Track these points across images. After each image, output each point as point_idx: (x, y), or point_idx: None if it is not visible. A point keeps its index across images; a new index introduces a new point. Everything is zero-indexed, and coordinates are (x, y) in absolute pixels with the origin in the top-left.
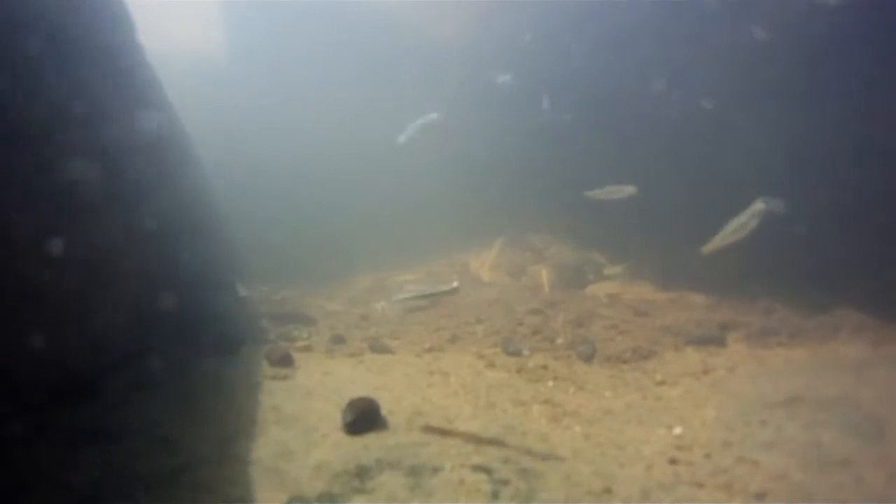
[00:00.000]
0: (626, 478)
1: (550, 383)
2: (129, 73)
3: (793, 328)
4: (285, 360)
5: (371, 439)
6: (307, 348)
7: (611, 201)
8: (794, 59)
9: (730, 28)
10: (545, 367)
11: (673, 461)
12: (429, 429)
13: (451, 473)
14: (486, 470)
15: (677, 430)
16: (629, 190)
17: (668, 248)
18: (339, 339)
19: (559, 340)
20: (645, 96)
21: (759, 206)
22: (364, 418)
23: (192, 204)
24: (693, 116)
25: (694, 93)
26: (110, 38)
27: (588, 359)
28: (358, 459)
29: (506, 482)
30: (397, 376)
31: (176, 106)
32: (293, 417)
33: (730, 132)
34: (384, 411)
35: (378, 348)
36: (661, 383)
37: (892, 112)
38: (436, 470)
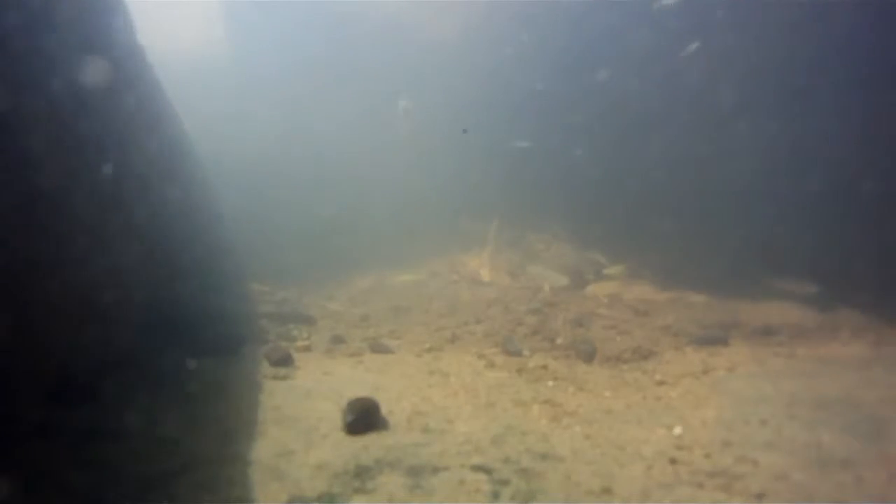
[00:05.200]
0: (626, 478)
1: (550, 383)
2: (130, 73)
3: (793, 328)
4: (285, 360)
5: (371, 439)
6: (307, 348)
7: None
8: (796, 60)
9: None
10: (545, 367)
11: (673, 461)
12: (429, 429)
13: (451, 473)
14: (486, 470)
15: (677, 430)
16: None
17: (669, 247)
18: (339, 339)
19: (559, 340)
20: (643, 97)
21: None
22: (364, 418)
23: (192, 204)
24: (693, 118)
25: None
26: (110, 39)
27: (588, 359)
28: (358, 459)
29: (506, 482)
30: (397, 376)
31: (176, 106)
32: (293, 417)
33: (732, 135)
34: (384, 411)
35: (378, 348)
36: (661, 383)
37: (894, 112)
38: (436, 470)
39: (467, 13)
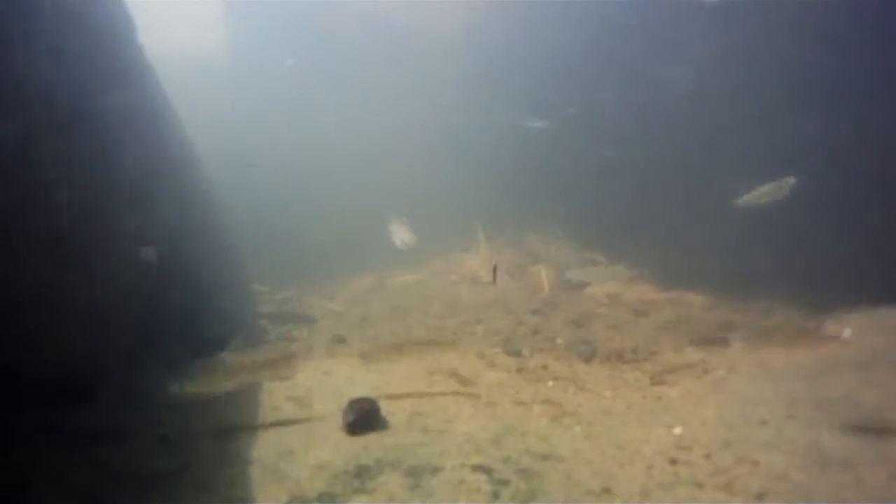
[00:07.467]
0: (626, 478)
1: (550, 383)
2: (128, 72)
3: (793, 328)
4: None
5: (371, 439)
6: (307, 348)
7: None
8: (789, 56)
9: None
10: (545, 367)
11: (673, 461)
12: (428, 429)
13: (451, 473)
14: (486, 470)
15: (677, 430)
16: (788, 183)
17: (668, 248)
18: (339, 340)
19: (559, 340)
20: (643, 96)
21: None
22: (364, 418)
23: (193, 203)
24: (690, 116)
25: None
26: (110, 39)
27: (588, 359)
28: (358, 459)
29: (506, 482)
30: (397, 376)
31: (175, 105)
32: (293, 417)
33: (728, 132)
34: (384, 411)
35: None
36: (660, 383)
37: (891, 109)
38: (436, 470)
39: (465, 12)
